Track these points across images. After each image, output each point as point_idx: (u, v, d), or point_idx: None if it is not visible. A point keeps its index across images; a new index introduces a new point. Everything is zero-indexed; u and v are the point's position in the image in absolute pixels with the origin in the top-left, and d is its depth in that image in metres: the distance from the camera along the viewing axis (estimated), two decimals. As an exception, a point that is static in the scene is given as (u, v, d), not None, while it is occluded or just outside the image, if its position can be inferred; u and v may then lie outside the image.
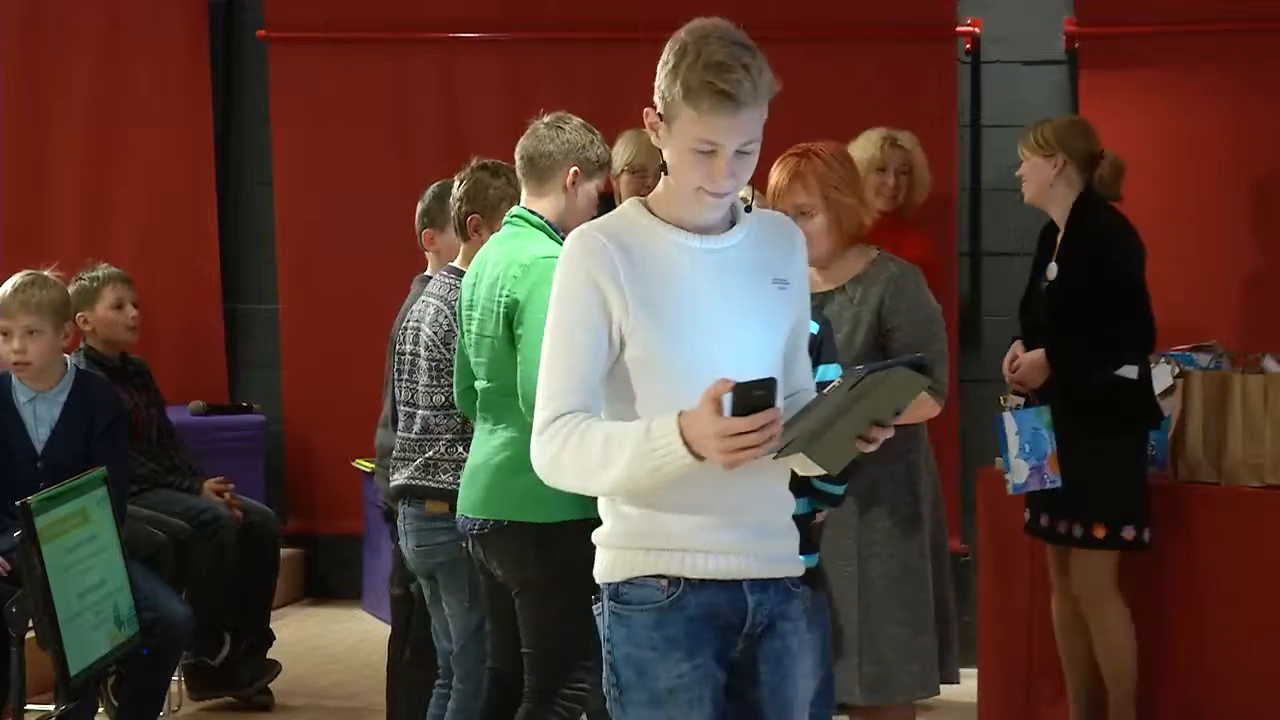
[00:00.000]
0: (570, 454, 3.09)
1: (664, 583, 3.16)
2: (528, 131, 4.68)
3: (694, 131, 3.08)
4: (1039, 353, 5.61)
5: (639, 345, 3.12)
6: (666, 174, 3.18)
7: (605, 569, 3.21)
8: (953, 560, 7.34)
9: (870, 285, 4.79)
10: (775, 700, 3.25)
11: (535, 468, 3.16)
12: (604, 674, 3.21)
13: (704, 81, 3.06)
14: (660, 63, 3.14)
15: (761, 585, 3.24)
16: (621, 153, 6.48)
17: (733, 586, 3.20)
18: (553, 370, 3.13)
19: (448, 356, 4.85)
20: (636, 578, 3.17)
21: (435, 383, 4.92)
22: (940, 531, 5.09)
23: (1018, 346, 5.72)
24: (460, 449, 4.84)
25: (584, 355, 3.11)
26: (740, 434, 2.93)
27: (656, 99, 3.14)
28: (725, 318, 3.17)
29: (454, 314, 4.85)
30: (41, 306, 5.61)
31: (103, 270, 6.70)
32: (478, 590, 4.76)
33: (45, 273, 5.79)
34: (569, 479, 3.14)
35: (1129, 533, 5.60)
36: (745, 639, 3.23)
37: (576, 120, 4.68)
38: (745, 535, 3.21)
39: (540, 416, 3.13)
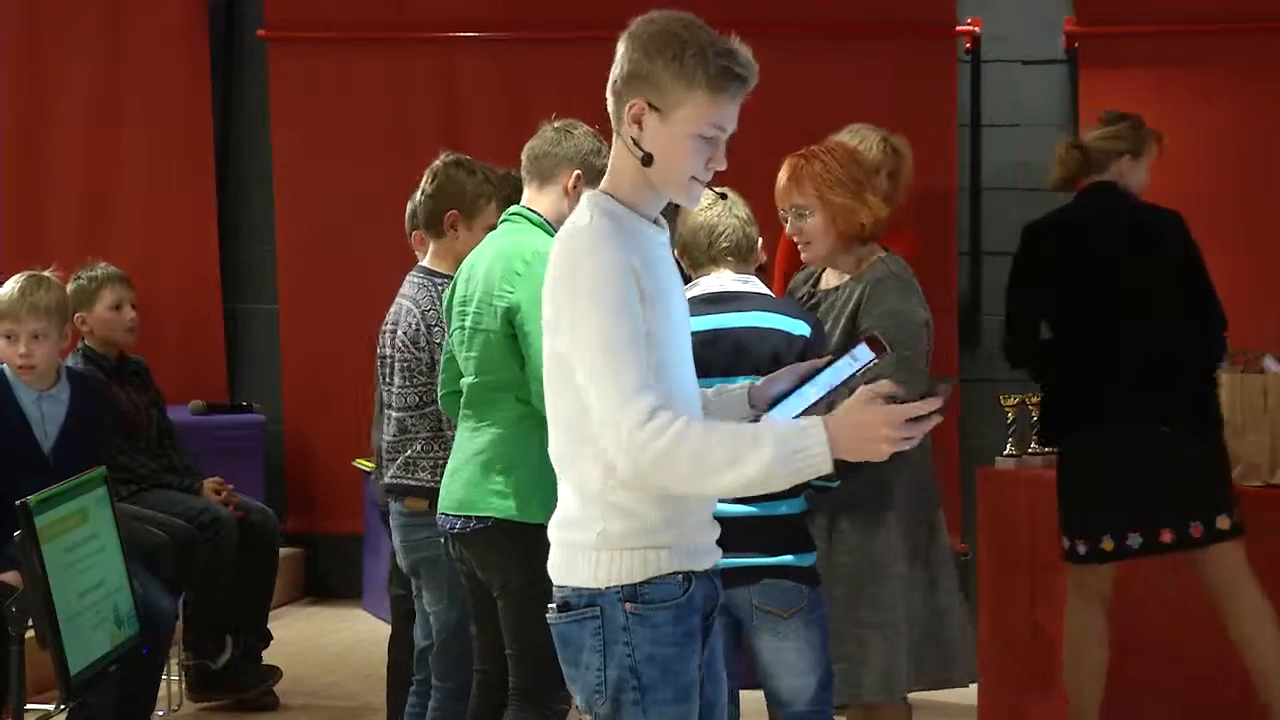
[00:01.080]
0: (689, 451, 2.98)
1: (679, 578, 3.17)
2: (537, 133, 4.72)
3: (708, 117, 3.10)
4: None
5: (654, 339, 3.10)
6: (648, 165, 3.14)
7: (617, 571, 3.14)
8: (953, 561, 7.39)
9: (859, 285, 4.84)
10: (709, 672, 3.31)
11: (629, 464, 3.01)
12: (613, 677, 3.15)
13: (723, 67, 3.09)
14: (643, 54, 3.13)
15: (716, 573, 3.31)
16: None
17: (711, 576, 3.27)
18: (624, 364, 3.01)
19: (418, 356, 4.93)
20: (657, 577, 3.15)
21: (408, 383, 5.00)
22: (936, 541, 5.03)
23: None
24: (437, 448, 4.92)
25: (643, 344, 3.05)
26: (913, 420, 2.99)
27: (645, 90, 3.12)
28: (683, 310, 3.26)
29: (423, 314, 4.95)
30: (49, 310, 5.64)
31: (101, 270, 6.68)
32: (456, 589, 4.80)
33: (46, 274, 5.81)
34: (679, 476, 3.01)
35: (1065, 543, 5.57)
36: (706, 626, 3.28)
37: (585, 128, 4.72)
38: (712, 527, 3.30)
39: (630, 412, 2.99)
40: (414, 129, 8.06)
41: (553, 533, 3.23)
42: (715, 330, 4.26)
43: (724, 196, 4.47)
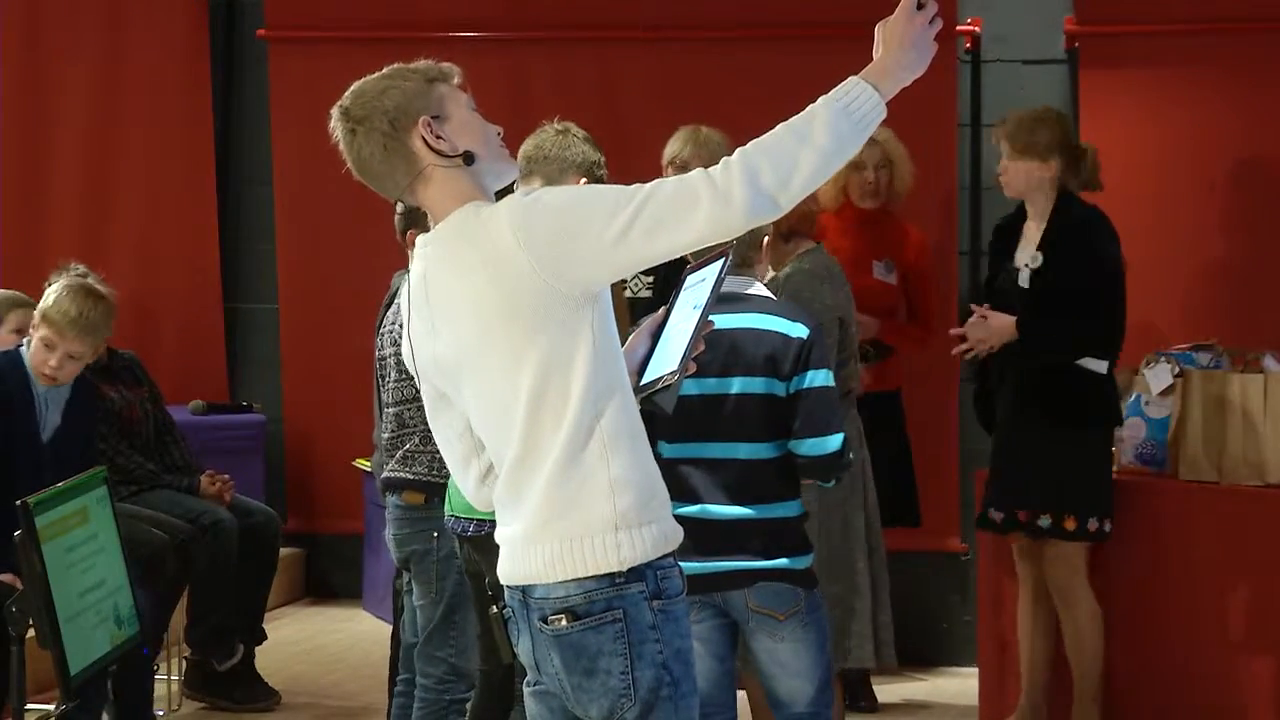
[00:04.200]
0: (765, 164, 3.03)
1: (676, 571, 3.17)
2: (536, 134, 4.72)
3: (462, 95, 3.28)
4: (1009, 318, 5.72)
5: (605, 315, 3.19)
6: (472, 162, 3.21)
7: (642, 549, 3.10)
8: (952, 560, 7.41)
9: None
10: None
11: (736, 211, 3.01)
12: (646, 678, 3.11)
13: (431, 66, 3.29)
14: (388, 97, 3.21)
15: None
16: (669, 148, 6.51)
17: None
18: (631, 186, 3.08)
19: None
20: (663, 566, 3.13)
21: (404, 377, 5.00)
22: (865, 515, 5.45)
23: (985, 309, 5.80)
24: (434, 442, 4.91)
25: None
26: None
27: (416, 114, 3.20)
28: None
29: None
30: (95, 332, 5.65)
31: (65, 274, 6.58)
32: (446, 583, 4.83)
33: (97, 285, 5.78)
34: (773, 183, 3.03)
35: (1093, 524, 5.70)
36: None
37: (583, 133, 4.76)
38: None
39: (695, 183, 3.03)
40: (414, 129, 8.05)
41: (540, 530, 3.13)
42: (713, 331, 4.26)
43: None
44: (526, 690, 3.29)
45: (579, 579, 3.11)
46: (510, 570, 3.21)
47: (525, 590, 3.18)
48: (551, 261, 3.06)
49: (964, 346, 5.80)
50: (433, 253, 3.23)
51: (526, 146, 4.73)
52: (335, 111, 3.25)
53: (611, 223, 3.05)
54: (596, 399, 3.10)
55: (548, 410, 3.10)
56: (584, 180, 4.63)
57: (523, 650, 3.24)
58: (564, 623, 3.12)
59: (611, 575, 3.10)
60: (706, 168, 3.07)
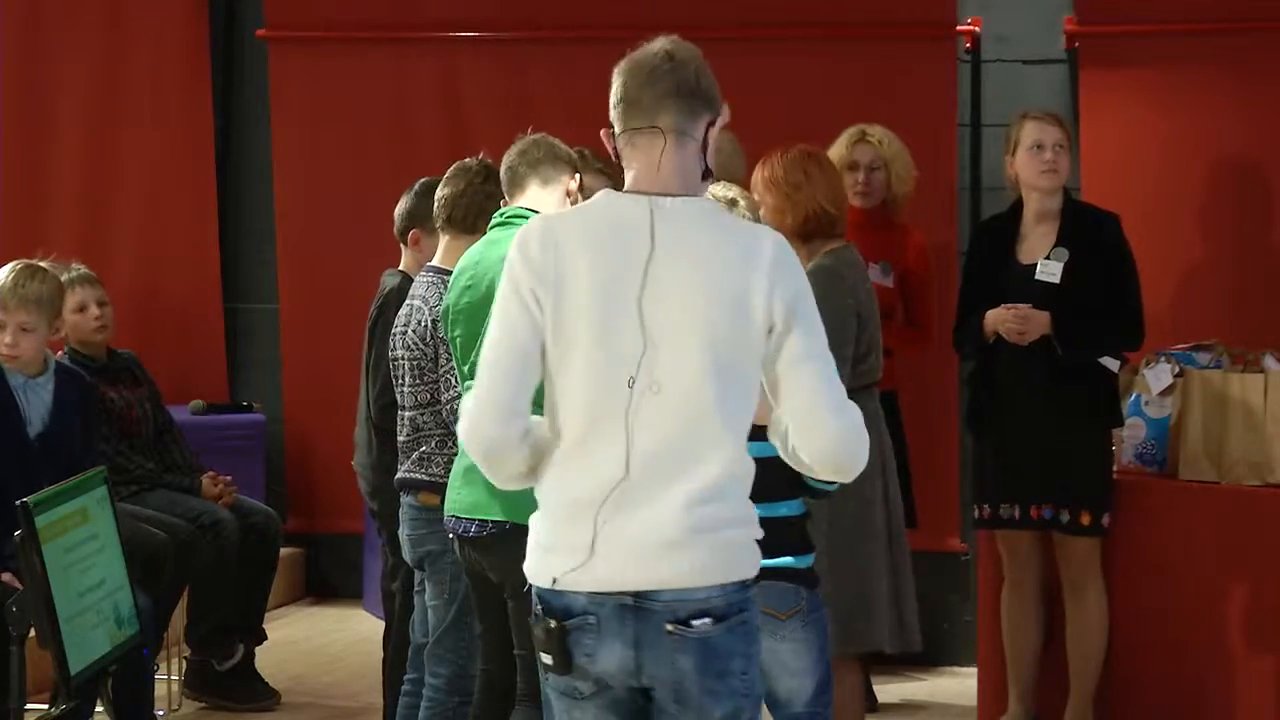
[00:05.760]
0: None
1: None
2: (516, 144, 4.75)
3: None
4: (1044, 314, 5.71)
5: None
6: (704, 178, 3.37)
7: (759, 558, 3.22)
8: (952, 560, 7.41)
9: None
10: None
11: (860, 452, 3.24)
12: (759, 680, 3.18)
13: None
14: (706, 75, 3.39)
15: None
16: None
17: None
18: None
19: (425, 353, 4.93)
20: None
21: (419, 381, 4.99)
22: (877, 509, 5.29)
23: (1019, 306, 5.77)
24: (451, 444, 4.91)
25: None
26: None
27: (714, 109, 3.38)
28: None
29: (432, 311, 4.95)
30: (40, 302, 5.69)
31: (65, 273, 6.59)
32: (458, 584, 4.83)
33: (41, 263, 5.85)
34: (854, 451, 3.27)
35: (1106, 520, 5.74)
36: None
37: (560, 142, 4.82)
38: None
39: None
40: (415, 129, 8.05)
41: (693, 537, 3.13)
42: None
43: (735, 203, 4.48)
44: (575, 700, 3.20)
45: (722, 584, 3.15)
46: (635, 576, 3.14)
47: (641, 595, 3.13)
48: (771, 316, 3.15)
49: (1012, 324, 5.74)
50: (672, 214, 3.23)
51: (511, 156, 4.72)
52: (668, 42, 3.44)
53: (811, 352, 3.19)
54: (747, 421, 3.20)
55: (729, 423, 3.16)
56: (574, 175, 4.66)
57: (613, 657, 3.14)
58: (710, 624, 3.12)
59: (744, 580, 3.17)
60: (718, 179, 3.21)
